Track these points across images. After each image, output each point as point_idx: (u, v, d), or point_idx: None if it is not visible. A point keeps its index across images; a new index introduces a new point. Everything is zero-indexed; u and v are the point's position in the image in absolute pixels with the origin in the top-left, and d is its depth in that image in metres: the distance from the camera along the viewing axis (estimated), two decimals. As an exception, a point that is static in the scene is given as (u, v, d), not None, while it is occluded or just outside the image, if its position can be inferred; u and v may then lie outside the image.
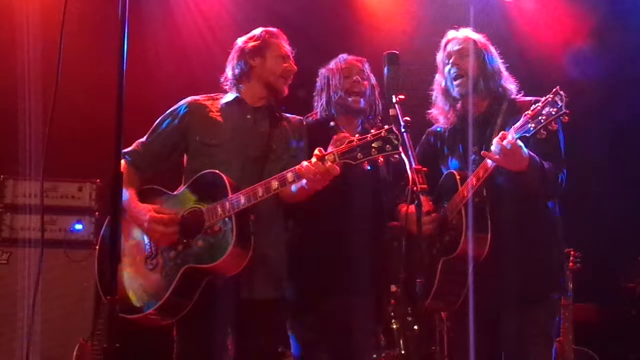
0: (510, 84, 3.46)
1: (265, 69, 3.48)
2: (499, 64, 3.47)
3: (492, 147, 3.03)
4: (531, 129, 2.91)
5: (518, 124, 2.97)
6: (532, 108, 2.93)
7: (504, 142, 2.96)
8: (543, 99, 2.91)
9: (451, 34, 3.53)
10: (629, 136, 5.92)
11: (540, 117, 2.88)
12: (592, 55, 5.94)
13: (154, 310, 3.21)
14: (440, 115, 3.54)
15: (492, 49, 3.49)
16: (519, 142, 2.98)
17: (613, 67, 5.91)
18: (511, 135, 2.98)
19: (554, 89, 2.89)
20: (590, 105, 5.56)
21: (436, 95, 3.56)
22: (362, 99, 3.72)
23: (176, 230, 3.23)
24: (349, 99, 3.70)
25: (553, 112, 2.85)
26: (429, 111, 3.60)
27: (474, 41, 3.45)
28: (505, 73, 3.47)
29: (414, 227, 3.04)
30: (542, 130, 2.89)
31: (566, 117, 2.87)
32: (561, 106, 2.84)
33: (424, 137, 3.68)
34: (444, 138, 3.56)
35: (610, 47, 5.95)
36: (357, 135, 3.04)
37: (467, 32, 3.50)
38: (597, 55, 5.93)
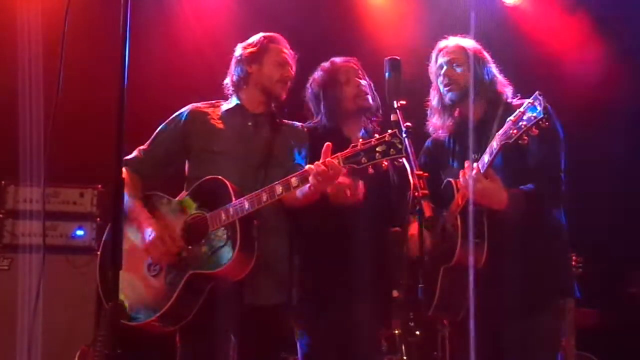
0: (505, 88, 3.41)
1: (262, 75, 3.48)
2: (493, 68, 3.43)
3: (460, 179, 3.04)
4: (512, 135, 2.86)
5: (501, 130, 2.93)
6: (515, 113, 2.88)
7: (467, 175, 2.97)
8: (525, 103, 2.86)
9: (442, 44, 3.49)
10: (633, 139, 5.90)
11: (521, 123, 2.83)
12: (593, 57, 5.95)
13: (157, 318, 3.19)
14: (437, 124, 3.51)
15: (485, 54, 3.44)
16: (491, 172, 2.97)
17: (614, 69, 5.91)
18: (480, 164, 2.98)
19: (534, 94, 2.84)
20: (591, 107, 5.55)
21: (432, 106, 3.53)
22: (369, 96, 3.67)
23: (176, 255, 3.22)
24: (358, 101, 3.65)
25: (532, 118, 2.80)
26: (427, 122, 3.56)
27: (465, 49, 3.41)
28: (499, 77, 3.42)
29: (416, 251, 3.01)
30: (523, 136, 2.84)
31: (546, 122, 2.80)
32: (539, 111, 2.78)
33: (424, 146, 3.64)
34: (443, 146, 3.53)
35: (612, 50, 5.95)
36: (360, 140, 3.03)
37: (457, 41, 3.46)
38: (598, 58, 5.94)
